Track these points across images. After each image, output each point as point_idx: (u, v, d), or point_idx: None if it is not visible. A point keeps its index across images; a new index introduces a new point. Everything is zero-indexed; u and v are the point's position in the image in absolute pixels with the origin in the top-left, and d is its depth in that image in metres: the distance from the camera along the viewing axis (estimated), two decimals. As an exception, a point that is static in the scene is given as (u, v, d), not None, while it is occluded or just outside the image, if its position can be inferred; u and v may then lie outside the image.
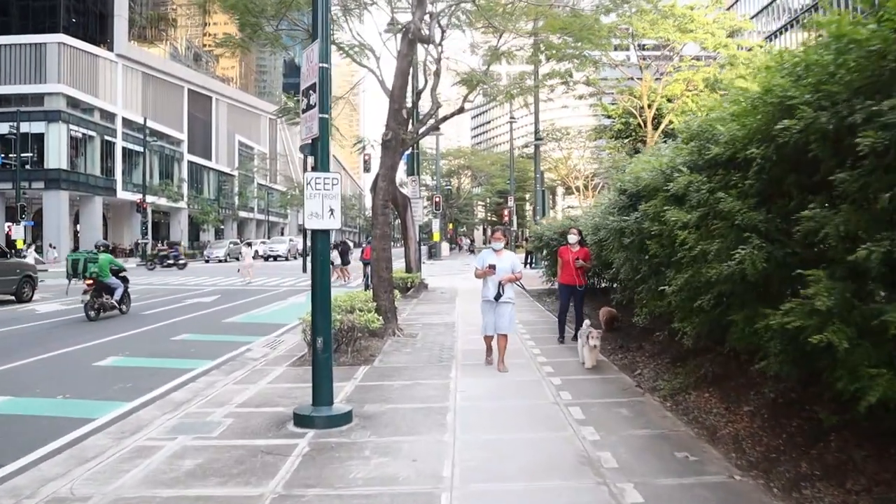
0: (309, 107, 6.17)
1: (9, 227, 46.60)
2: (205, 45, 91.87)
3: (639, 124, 40.03)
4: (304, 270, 23.35)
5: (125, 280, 16.66)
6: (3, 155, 51.52)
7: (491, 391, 7.51)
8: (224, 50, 16.13)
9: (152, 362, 10.02)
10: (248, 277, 29.03)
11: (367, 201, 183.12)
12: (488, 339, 8.80)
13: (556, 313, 11.59)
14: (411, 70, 17.40)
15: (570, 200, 68.31)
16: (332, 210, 6.13)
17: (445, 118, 18.66)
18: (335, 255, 28.76)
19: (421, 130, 20.45)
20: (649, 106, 35.74)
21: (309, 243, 26.47)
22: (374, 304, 10.74)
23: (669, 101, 36.59)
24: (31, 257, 31.17)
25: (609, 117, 44.80)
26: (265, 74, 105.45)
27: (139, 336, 12.76)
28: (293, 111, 16.90)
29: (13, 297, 19.48)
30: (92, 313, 15.08)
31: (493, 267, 8.43)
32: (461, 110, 18.54)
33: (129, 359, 10.30)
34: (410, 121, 19.98)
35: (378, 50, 15.86)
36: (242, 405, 7.01)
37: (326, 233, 6.42)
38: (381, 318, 10.07)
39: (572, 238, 10.29)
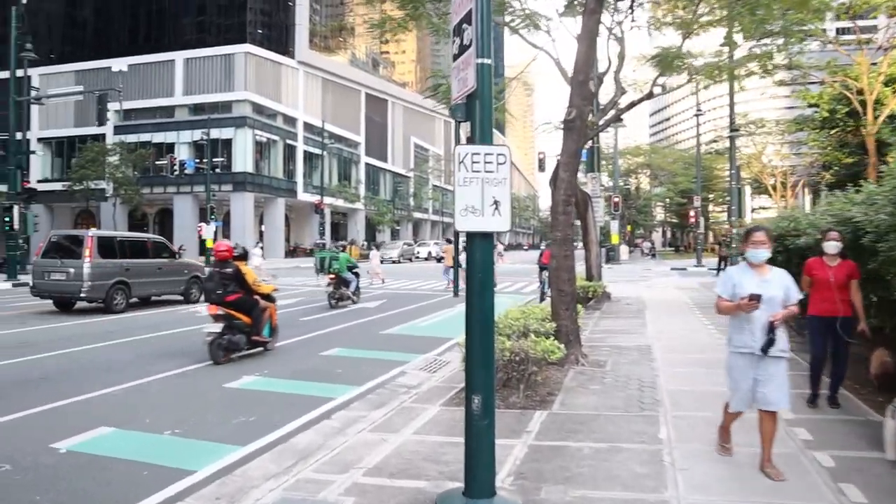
0: (462, 48, 4.16)
1: (199, 227, 48.83)
2: (382, 53, 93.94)
3: (848, 112, 35.05)
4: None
5: (357, 275, 19.76)
6: (196, 160, 54.54)
7: (732, 486, 4.82)
8: (382, 32, 14.51)
9: (288, 386, 8.49)
10: (378, 279, 28.47)
11: (542, 202, 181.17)
12: (733, 416, 5.31)
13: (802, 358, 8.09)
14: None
15: (761, 201, 62.31)
16: (496, 203, 4.06)
17: (631, 105, 16.29)
18: (463, 257, 26.63)
19: (602, 120, 18.15)
20: (860, 92, 30.95)
21: (463, 251, 24.61)
22: (553, 324, 8.62)
23: (887, 84, 31.62)
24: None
25: (812, 106, 39.73)
26: (441, 79, 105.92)
27: (286, 350, 11.42)
28: (442, 90, 15.35)
29: (181, 298, 19.26)
30: (333, 302, 18.52)
31: (755, 298, 4.77)
32: (650, 96, 16.12)
33: (265, 380, 8.86)
34: (591, 109, 17.64)
35: (552, 25, 13.79)
36: (373, 471, 5.13)
37: (488, 238, 4.31)
38: (561, 344, 7.97)
39: (832, 247, 6.68)
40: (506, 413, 6.61)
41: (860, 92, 31.35)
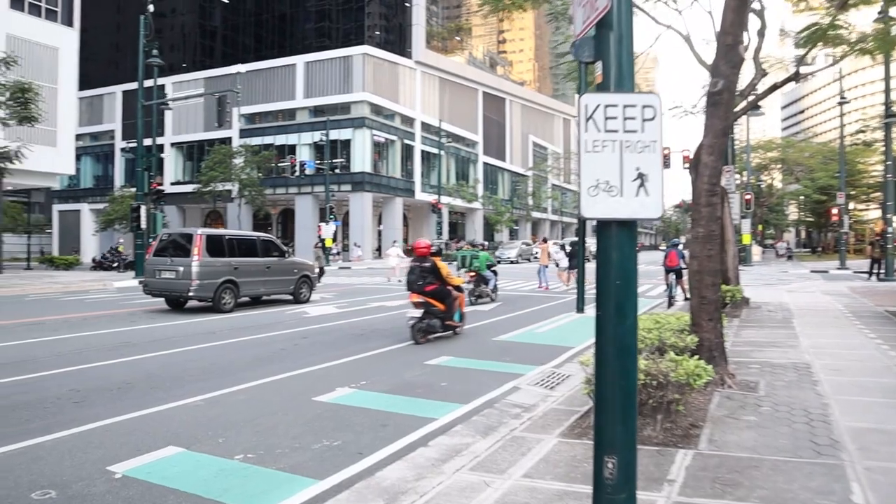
0: (590, -42, 2.96)
1: (319, 227, 49.40)
2: (500, 52, 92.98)
3: None
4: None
5: (495, 273, 20.11)
6: (316, 161, 55.40)
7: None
8: (498, 10, 13.36)
9: (385, 401, 7.49)
10: (394, 277, 28.84)
11: (667, 201, 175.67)
12: None
13: None
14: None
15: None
16: (641, 177, 2.81)
17: (773, 88, 14.45)
18: (561, 256, 25.89)
19: (739, 107, 16.31)
20: None
21: (591, 245, 23.32)
22: (693, 337, 7.21)
23: None
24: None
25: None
26: (559, 77, 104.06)
27: (392, 355, 10.50)
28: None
29: (291, 297, 18.84)
30: (472, 299, 18.50)
31: None
32: (795, 77, 14.29)
33: (360, 393, 7.88)
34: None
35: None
36: (470, 534, 4.00)
37: (629, 227, 3.07)
38: (708, 365, 6.58)
39: None
40: (640, 451, 5.31)
41: None
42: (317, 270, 26.37)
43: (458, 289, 12.74)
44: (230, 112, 33.92)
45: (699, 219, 7.32)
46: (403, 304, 18.42)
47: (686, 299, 18.27)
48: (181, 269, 15.84)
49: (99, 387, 8.15)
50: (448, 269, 12.73)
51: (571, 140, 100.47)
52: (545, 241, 27.82)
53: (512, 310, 17.56)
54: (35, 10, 33.70)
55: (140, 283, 17.14)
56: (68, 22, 35.37)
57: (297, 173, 52.78)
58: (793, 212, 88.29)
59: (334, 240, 51.61)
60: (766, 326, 12.96)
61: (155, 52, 30.46)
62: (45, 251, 70.60)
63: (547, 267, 25.34)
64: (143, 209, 29.45)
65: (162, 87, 37.05)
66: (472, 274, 19.31)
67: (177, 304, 17.05)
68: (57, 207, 73.93)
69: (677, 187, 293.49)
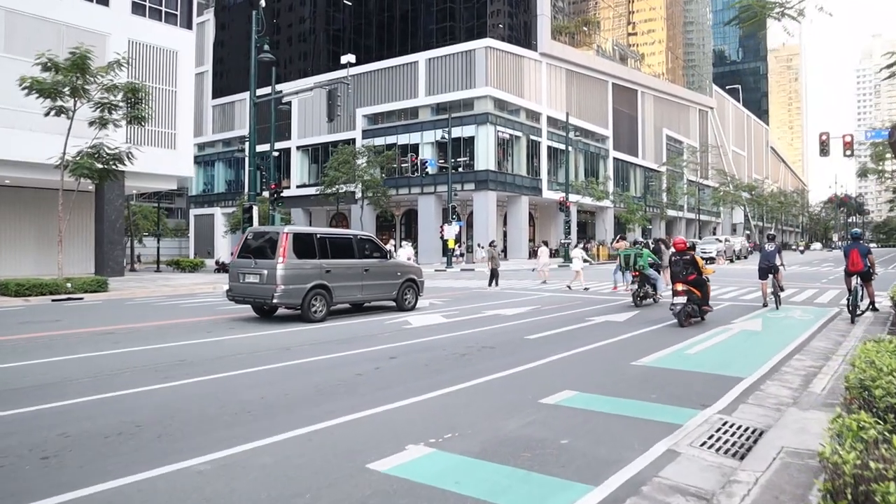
0: None
1: (441, 228, 47.56)
2: (630, 45, 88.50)
3: None
4: (763, 277, 16.85)
5: (659, 272, 19.08)
6: (439, 160, 53.66)
7: None
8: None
9: (471, 471, 4.93)
10: (544, 277, 28.41)
11: (812, 197, 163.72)
12: None
13: None
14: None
15: None
16: None
17: None
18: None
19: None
20: None
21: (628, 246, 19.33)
22: None
23: None
24: (404, 255, 29.40)
25: None
26: (693, 68, 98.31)
27: (498, 387, 7.92)
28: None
29: (394, 304, 16.63)
30: (637, 301, 17.75)
31: None
32: None
33: (440, 456, 5.33)
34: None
35: None
36: None
37: None
38: None
39: None
40: None
41: None
42: (488, 272, 25.55)
43: (707, 279, 14.45)
44: (342, 107, 32.39)
45: None
46: (521, 313, 15.93)
47: (874, 308, 14.68)
48: (265, 272, 13.86)
49: (93, 432, 6.03)
50: (702, 261, 14.39)
51: (709, 133, 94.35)
52: (623, 238, 26.33)
53: (654, 320, 14.56)
54: (155, 14, 33.46)
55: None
56: (187, 25, 34.99)
57: (418, 172, 51.30)
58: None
59: (457, 241, 49.65)
60: None
61: (266, 47, 29.30)
62: (185, 254, 73.10)
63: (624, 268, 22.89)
64: (255, 209, 28.29)
65: (280, 92, 36.75)
66: (636, 274, 18.57)
67: (265, 311, 15.17)
68: (193, 212, 76.34)
69: (827, 178, 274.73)
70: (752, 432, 6.08)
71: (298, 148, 66.49)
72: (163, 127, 33.20)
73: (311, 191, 60.06)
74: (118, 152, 23.42)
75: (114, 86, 22.92)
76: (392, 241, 32.65)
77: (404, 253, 29.62)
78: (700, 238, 68.90)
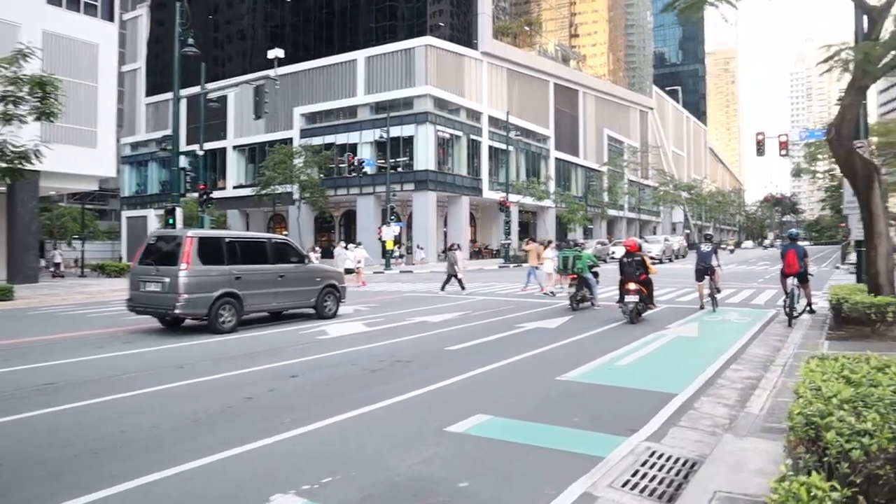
0: None
1: (379, 229, 46.52)
2: (573, 46, 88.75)
3: None
4: (700, 279, 16.35)
5: (596, 274, 18.43)
6: (377, 159, 52.55)
7: None
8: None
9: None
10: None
11: (749, 196, 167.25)
12: None
13: None
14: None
15: None
16: None
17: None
18: (550, 254, 23.40)
19: (883, 62, 12.24)
20: None
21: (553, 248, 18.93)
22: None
23: None
24: (354, 257, 28.46)
25: None
26: (634, 69, 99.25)
27: (401, 411, 7.00)
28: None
29: (313, 311, 15.56)
30: (574, 304, 17.20)
31: None
32: None
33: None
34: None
35: None
36: None
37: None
38: None
39: None
40: None
41: None
42: (453, 275, 24.23)
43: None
44: (280, 106, 31.11)
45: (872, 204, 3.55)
46: (449, 320, 15.05)
47: (811, 311, 14.24)
48: (167, 280, 12.64)
49: None
50: (649, 261, 15.01)
51: (649, 133, 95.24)
52: (532, 240, 26.20)
53: (587, 327, 13.82)
54: (73, 5, 31.65)
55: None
56: (109, 17, 33.20)
57: (356, 172, 50.17)
58: (894, 204, 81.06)
59: (396, 242, 48.63)
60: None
61: (191, 41, 27.86)
62: (118, 257, 70.32)
63: (538, 268, 23.51)
64: (178, 211, 26.81)
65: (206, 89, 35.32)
66: (574, 277, 17.52)
67: (171, 322, 13.93)
68: (125, 214, 73.65)
69: (762, 178, 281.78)
70: (684, 465, 5.30)
71: (235, 148, 64.60)
72: (81, 124, 31.38)
73: (248, 192, 58.28)
74: (24, 150, 21.74)
75: (18, 78, 21.26)
76: (343, 244, 31.40)
77: (356, 255, 28.45)
78: (643, 237, 69.22)
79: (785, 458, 3.82)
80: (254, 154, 62.63)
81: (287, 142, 56.89)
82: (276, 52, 29.74)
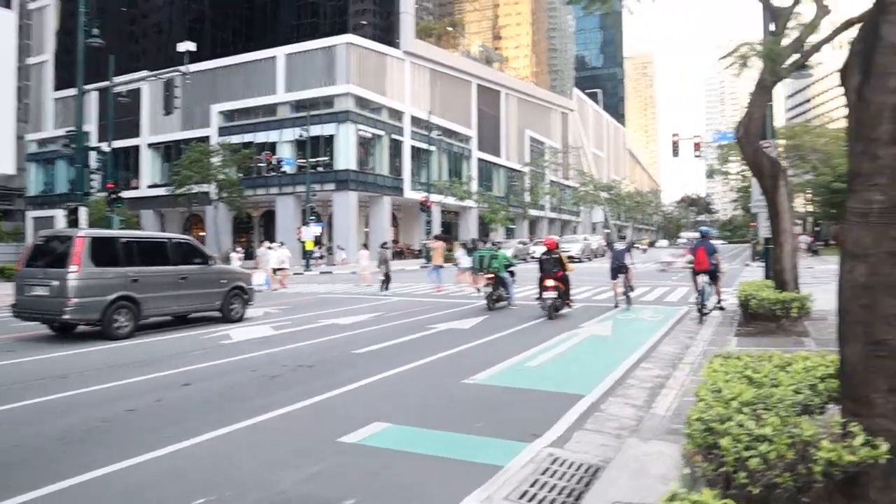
0: None
1: (299, 229, 45.63)
2: (496, 48, 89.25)
3: None
4: (614, 277, 16.40)
5: (513, 274, 18.13)
6: (299, 159, 51.51)
7: None
8: None
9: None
10: (368, 282, 26.32)
11: (666, 197, 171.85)
12: None
13: None
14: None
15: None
16: None
17: (848, 24, 10.70)
18: (462, 255, 24.36)
19: (788, 62, 12.48)
20: None
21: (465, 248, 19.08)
22: (858, 436, 3.31)
23: None
24: (235, 261, 27.75)
25: None
26: (556, 72, 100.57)
27: (298, 419, 6.57)
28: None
29: (219, 314, 14.89)
30: (490, 303, 16.94)
31: None
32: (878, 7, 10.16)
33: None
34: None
35: None
36: None
37: None
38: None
39: None
40: None
41: None
42: (381, 277, 23.76)
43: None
44: (179, 98, 29.76)
45: (874, 172, 3.40)
46: (361, 321, 14.65)
47: (721, 308, 14.41)
48: (55, 283, 11.78)
49: None
50: (566, 259, 15.62)
51: (570, 134, 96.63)
52: (437, 238, 26.02)
53: (501, 326, 13.62)
54: (-35, -9, 29.86)
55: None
56: (4, 3, 31.42)
57: (274, 171, 49.14)
58: (801, 204, 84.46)
59: (316, 243, 47.78)
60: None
61: (96, 31, 26.60)
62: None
63: (441, 267, 23.64)
64: (82, 211, 25.54)
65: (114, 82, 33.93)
66: (491, 277, 17.28)
67: (62, 327, 13.04)
68: (31, 214, 70.24)
69: (678, 179, 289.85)
70: (586, 471, 5.06)
71: (150, 146, 62.43)
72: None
73: (164, 191, 56.29)
74: None
75: None
76: (268, 243, 30.43)
77: (279, 256, 27.55)
78: (562, 236, 70.03)
79: (683, 467, 3.59)
80: (169, 152, 60.56)
81: (204, 140, 55.30)
82: (187, 46, 28.43)
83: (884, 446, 3.11)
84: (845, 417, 3.53)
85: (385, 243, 26.09)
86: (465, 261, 24.20)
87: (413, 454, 5.50)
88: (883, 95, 3.33)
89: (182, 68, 28.12)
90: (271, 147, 53.41)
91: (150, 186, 61.33)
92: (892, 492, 3.40)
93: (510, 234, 72.36)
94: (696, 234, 20.76)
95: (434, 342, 11.59)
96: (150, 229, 56.24)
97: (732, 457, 3.14)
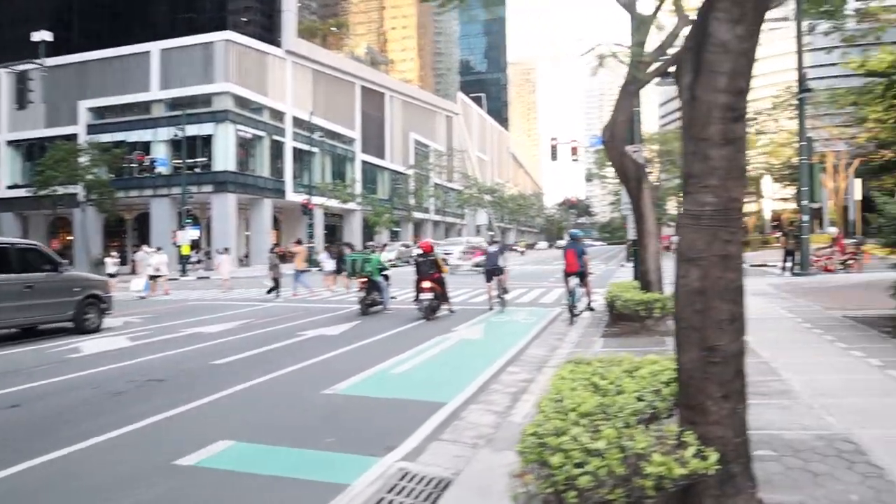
0: None
1: (174, 233, 43.73)
2: (383, 51, 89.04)
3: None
4: (489, 280, 16.39)
5: (387, 278, 17.92)
6: (175, 160, 49.42)
7: None
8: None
9: None
10: (227, 287, 26.04)
11: (548, 199, 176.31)
12: None
13: None
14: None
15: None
16: None
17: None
18: (325, 258, 24.89)
19: (651, 68, 12.80)
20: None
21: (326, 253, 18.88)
22: (690, 438, 3.21)
23: None
24: (111, 266, 26.42)
25: (872, 74, 34.03)
26: (441, 76, 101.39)
27: (125, 444, 6.01)
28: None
29: (72, 325, 13.85)
30: (364, 308, 16.66)
31: None
32: None
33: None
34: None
35: None
36: None
37: None
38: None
39: None
40: None
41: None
42: (270, 283, 22.85)
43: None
44: (32, 93, 27.71)
45: (706, 173, 3.30)
46: (228, 329, 13.99)
47: (591, 309, 14.63)
48: None
49: None
50: (442, 261, 16.25)
51: (455, 137, 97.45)
52: (299, 242, 25.82)
53: (376, 331, 13.31)
54: None
55: None
56: None
57: (148, 172, 46.98)
58: (672, 207, 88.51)
59: (193, 247, 46.02)
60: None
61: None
62: None
63: (304, 272, 23.18)
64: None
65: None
66: (364, 281, 16.96)
67: None
68: None
69: (560, 182, 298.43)
70: (436, 486, 4.83)
71: (10, 143, 58.36)
72: None
73: (25, 192, 52.64)
74: None
75: None
76: (145, 247, 28.70)
77: (155, 261, 25.99)
78: (446, 238, 70.35)
79: (516, 487, 3.40)
80: (32, 151, 56.80)
81: (72, 138, 52.25)
82: (43, 36, 26.60)
83: (713, 457, 3.02)
84: (682, 426, 3.44)
85: (274, 247, 25.36)
86: (328, 264, 24.55)
87: (253, 475, 5.10)
88: (712, 94, 3.25)
89: (38, 60, 26.22)
90: (145, 147, 51.10)
91: (9, 187, 57.38)
92: (726, 500, 3.33)
93: (395, 236, 72.15)
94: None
95: (301, 350, 11.13)
96: (9, 233, 52.54)
97: (563, 475, 2.96)
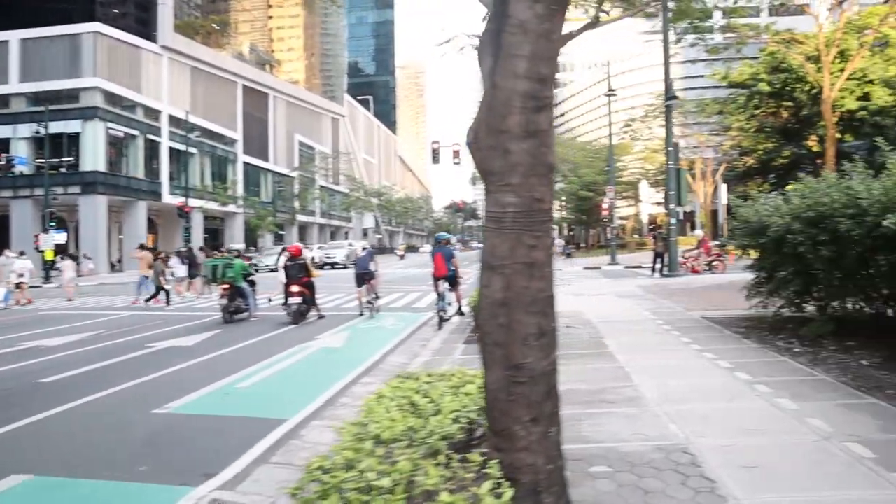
0: None
1: (37, 237, 40.77)
2: (270, 51, 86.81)
3: (784, 87, 31.21)
4: (359, 285, 15.86)
5: (253, 283, 17.37)
6: (35, 158, 46.32)
7: None
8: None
9: None
10: (70, 294, 24.76)
11: (436, 202, 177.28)
12: None
13: None
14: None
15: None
16: None
17: (570, 36, 11.03)
18: (176, 264, 24.21)
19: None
20: (809, 58, 26.68)
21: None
22: (493, 470, 2.86)
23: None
24: (18, 269, 24.51)
25: (735, 86, 35.84)
26: (329, 77, 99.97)
27: None
28: None
29: None
30: (227, 316, 15.77)
31: None
32: (594, 24, 11.13)
33: None
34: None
35: None
36: None
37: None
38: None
39: None
40: None
41: (809, 58, 27.14)
42: (152, 288, 21.40)
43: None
44: None
45: (506, 169, 2.95)
46: (72, 342, 12.89)
47: (460, 313, 14.41)
48: None
49: None
50: (311, 266, 16.04)
51: (341, 140, 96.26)
52: (142, 247, 24.66)
53: (236, 339, 12.56)
54: None
55: None
56: None
57: (4, 171, 43.75)
58: (556, 209, 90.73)
59: (57, 252, 43.14)
60: (573, 356, 8.89)
61: None
62: None
63: (148, 278, 21.91)
64: None
65: None
66: (226, 287, 16.03)
67: None
68: None
69: (448, 185, 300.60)
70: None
71: None
72: None
73: None
74: None
75: None
76: (8, 252, 26.30)
77: (18, 267, 23.96)
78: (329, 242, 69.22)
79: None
80: None
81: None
82: None
83: (507, 494, 2.66)
84: (489, 453, 3.08)
85: (160, 254, 23.86)
86: (180, 270, 23.78)
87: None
88: (512, 80, 2.92)
89: None
90: (3, 144, 47.56)
91: None
92: (521, 492, 2.98)
93: (279, 240, 70.40)
94: (465, 239, 20.85)
95: (146, 363, 10.29)
96: None
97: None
